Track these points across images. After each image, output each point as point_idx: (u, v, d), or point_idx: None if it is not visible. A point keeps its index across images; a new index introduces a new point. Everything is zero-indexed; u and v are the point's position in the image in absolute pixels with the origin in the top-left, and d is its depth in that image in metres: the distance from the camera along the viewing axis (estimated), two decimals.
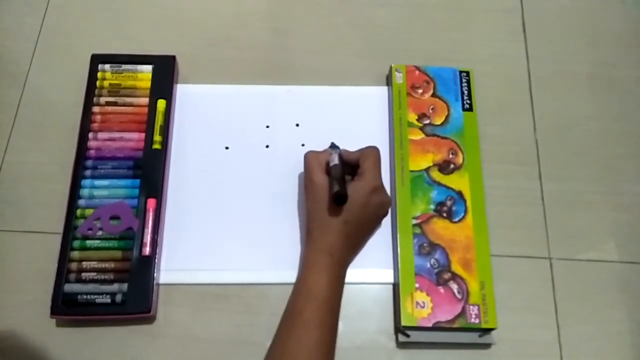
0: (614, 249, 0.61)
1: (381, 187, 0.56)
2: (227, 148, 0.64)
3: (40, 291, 0.56)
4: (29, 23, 0.70)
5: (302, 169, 0.62)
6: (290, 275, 0.57)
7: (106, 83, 0.64)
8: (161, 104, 0.63)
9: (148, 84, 0.64)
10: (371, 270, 0.59)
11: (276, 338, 0.51)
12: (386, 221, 0.60)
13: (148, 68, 0.65)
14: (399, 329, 0.56)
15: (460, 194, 0.60)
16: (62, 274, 0.55)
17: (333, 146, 0.60)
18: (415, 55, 0.68)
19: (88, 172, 0.60)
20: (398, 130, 0.63)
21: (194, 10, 0.71)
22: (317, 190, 0.55)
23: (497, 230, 0.60)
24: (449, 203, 0.60)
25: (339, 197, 0.52)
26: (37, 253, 0.59)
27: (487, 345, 0.56)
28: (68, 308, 0.55)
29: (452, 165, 0.61)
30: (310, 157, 0.57)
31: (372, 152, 0.58)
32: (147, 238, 0.57)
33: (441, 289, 0.56)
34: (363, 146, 0.64)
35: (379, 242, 0.60)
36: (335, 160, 0.56)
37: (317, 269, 0.53)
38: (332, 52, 0.69)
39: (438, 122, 0.63)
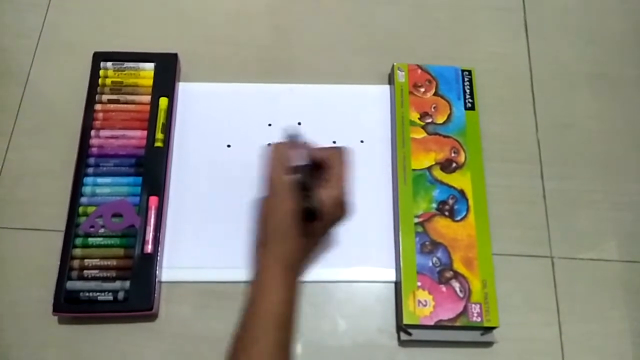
0: (615, 248, 0.61)
1: (347, 199, 0.48)
2: (229, 146, 0.64)
3: (42, 288, 0.56)
4: (31, 21, 0.70)
5: None
6: None
7: (108, 81, 0.64)
8: (163, 101, 0.63)
9: (150, 82, 0.64)
10: (373, 268, 0.59)
11: (230, 356, 0.46)
12: (388, 219, 0.61)
13: (150, 66, 0.65)
14: (401, 327, 0.56)
15: (462, 192, 0.60)
16: (65, 272, 0.55)
17: (294, 135, 0.49)
18: (417, 54, 0.68)
19: (90, 170, 0.60)
20: (400, 129, 0.63)
21: (196, 8, 0.71)
22: (278, 194, 0.47)
23: (499, 229, 0.60)
24: (451, 202, 0.60)
25: (310, 213, 0.44)
26: (39, 250, 0.59)
27: (489, 344, 0.56)
28: (70, 305, 0.55)
29: (454, 164, 0.61)
30: (273, 152, 0.48)
31: (343, 155, 0.49)
32: (149, 236, 0.57)
33: (443, 288, 0.56)
34: (364, 145, 0.64)
35: (381, 241, 0.60)
36: (302, 159, 0.47)
37: (271, 282, 0.47)
38: (334, 50, 0.69)
39: (440, 121, 0.63)
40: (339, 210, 0.48)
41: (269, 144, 0.49)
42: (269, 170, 0.48)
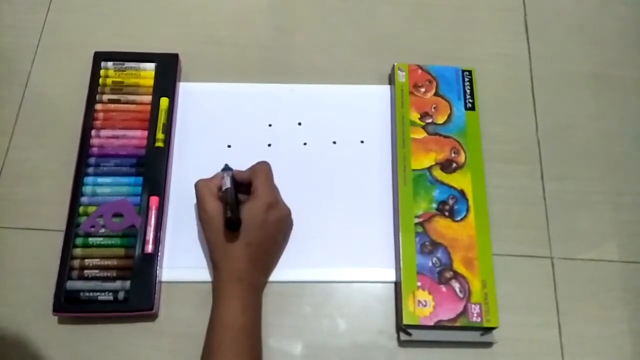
0: (616, 249, 0.61)
1: (276, 201, 0.56)
2: (229, 146, 0.64)
3: (42, 288, 0.56)
4: (31, 20, 0.70)
5: (304, 168, 0.63)
6: (291, 272, 0.58)
7: (109, 81, 0.64)
8: (164, 102, 0.63)
9: (151, 82, 0.64)
10: (373, 269, 0.59)
11: None
12: (388, 220, 0.60)
13: (151, 66, 0.65)
14: (400, 327, 0.56)
15: (462, 192, 0.60)
16: (65, 271, 0.55)
17: (226, 168, 0.59)
18: (417, 54, 0.68)
19: (91, 170, 0.60)
20: (400, 129, 0.63)
21: (196, 8, 0.71)
22: (211, 219, 0.54)
23: (499, 229, 0.60)
24: (451, 202, 0.60)
25: (232, 222, 0.52)
26: (39, 250, 0.59)
27: (488, 344, 0.56)
28: (70, 305, 0.55)
29: (454, 164, 0.61)
30: (200, 186, 0.56)
31: (262, 167, 0.57)
32: (150, 236, 0.57)
33: (443, 288, 0.56)
34: (364, 145, 0.64)
35: (381, 241, 0.60)
36: (226, 184, 0.55)
37: (228, 298, 0.52)
38: (335, 50, 0.69)
39: (440, 121, 0.63)
40: (272, 213, 0.54)
41: (197, 182, 0.57)
42: (201, 203, 0.55)
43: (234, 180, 0.56)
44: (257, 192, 0.55)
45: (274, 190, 0.57)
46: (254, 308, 0.53)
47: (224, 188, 0.55)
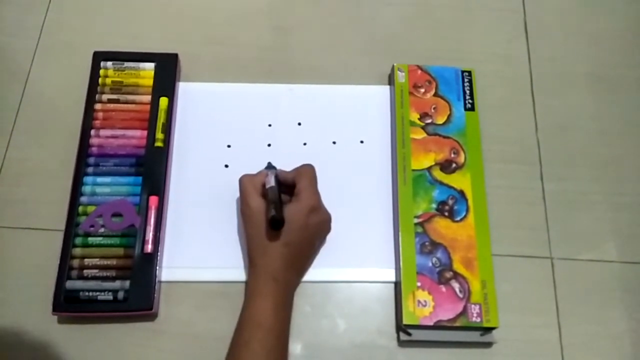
0: (615, 249, 0.61)
1: (318, 205, 0.56)
2: (229, 146, 0.64)
3: (42, 288, 0.56)
4: (31, 20, 0.70)
5: None
6: None
7: (108, 80, 0.64)
8: (163, 101, 0.63)
9: (150, 82, 0.64)
10: (373, 269, 0.59)
11: (226, 357, 0.51)
12: (388, 220, 0.60)
13: (150, 66, 0.65)
14: (400, 327, 0.56)
15: (462, 193, 0.60)
16: (64, 271, 0.55)
17: (269, 167, 0.59)
18: (417, 54, 0.68)
19: (90, 169, 0.60)
20: (400, 130, 0.63)
21: (196, 8, 0.71)
22: (254, 215, 0.54)
23: (499, 229, 0.60)
24: (450, 202, 0.60)
25: (275, 221, 0.51)
26: (39, 250, 0.59)
27: (488, 344, 0.56)
28: (70, 305, 0.55)
29: (454, 165, 0.62)
30: (245, 181, 0.56)
31: (307, 170, 0.57)
32: (149, 235, 0.57)
33: (443, 288, 0.56)
34: (364, 145, 0.64)
35: (381, 241, 0.60)
36: (271, 182, 0.55)
37: (261, 296, 0.52)
38: (335, 51, 0.69)
39: (440, 122, 0.63)
40: (314, 216, 0.54)
41: (241, 177, 0.56)
42: (245, 197, 0.55)
43: (277, 179, 0.56)
44: (301, 194, 0.55)
45: (317, 194, 0.56)
46: (286, 308, 0.53)
47: (267, 186, 0.55)
